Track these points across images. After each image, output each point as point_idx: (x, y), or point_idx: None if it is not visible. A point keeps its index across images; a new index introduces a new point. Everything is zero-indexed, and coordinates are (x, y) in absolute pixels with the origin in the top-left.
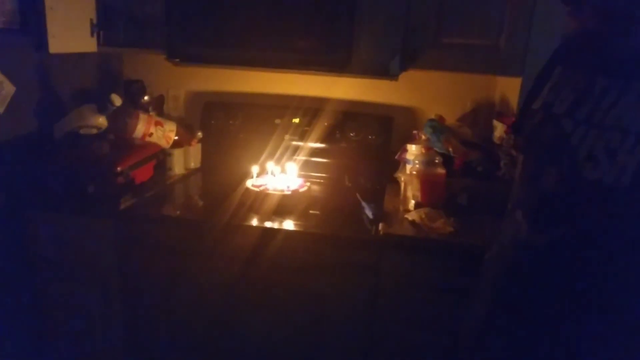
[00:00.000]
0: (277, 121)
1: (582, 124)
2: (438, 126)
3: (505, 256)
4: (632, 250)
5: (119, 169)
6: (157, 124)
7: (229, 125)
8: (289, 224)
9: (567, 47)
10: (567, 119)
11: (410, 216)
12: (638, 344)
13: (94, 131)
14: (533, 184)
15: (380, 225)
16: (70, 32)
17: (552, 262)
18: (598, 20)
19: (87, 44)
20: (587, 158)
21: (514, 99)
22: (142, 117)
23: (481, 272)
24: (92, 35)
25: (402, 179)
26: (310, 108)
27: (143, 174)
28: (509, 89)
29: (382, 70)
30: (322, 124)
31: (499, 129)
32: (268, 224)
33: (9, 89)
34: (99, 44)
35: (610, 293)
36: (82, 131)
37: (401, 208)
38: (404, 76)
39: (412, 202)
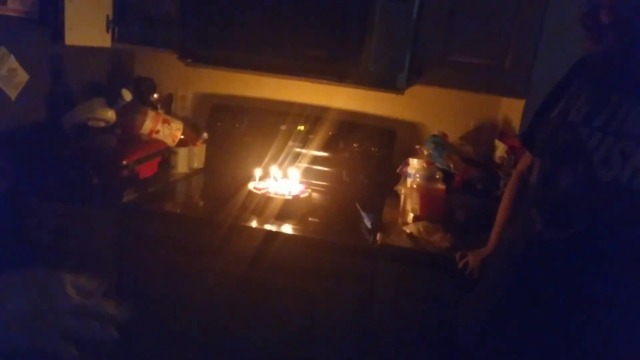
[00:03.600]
0: (283, 127)
1: (597, 131)
2: (440, 142)
3: (516, 251)
4: None
5: (124, 162)
6: (164, 121)
7: (234, 128)
8: (288, 228)
9: (585, 63)
10: (584, 127)
11: (408, 228)
12: None
13: (102, 124)
14: (549, 185)
15: (378, 235)
16: (87, 25)
17: (566, 258)
18: (620, 43)
19: (102, 38)
20: (602, 162)
21: (516, 120)
22: (150, 114)
23: (487, 269)
24: (107, 30)
25: (402, 191)
26: (316, 116)
27: (147, 170)
28: (512, 110)
29: (389, 84)
30: (326, 133)
31: (501, 149)
32: (268, 227)
33: (23, 76)
34: (113, 39)
35: (623, 289)
36: (90, 123)
37: (399, 220)
38: (410, 91)
39: (411, 215)
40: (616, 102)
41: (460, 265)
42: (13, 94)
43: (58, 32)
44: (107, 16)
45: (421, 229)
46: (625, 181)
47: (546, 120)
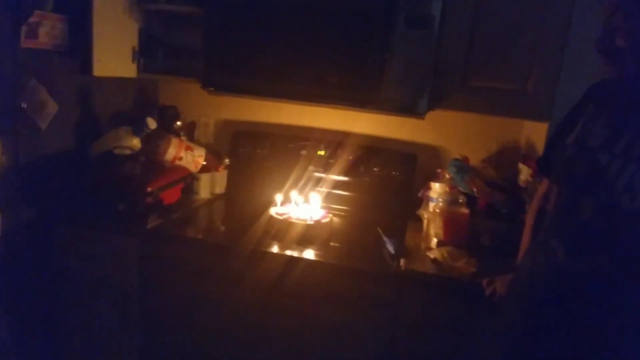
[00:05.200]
0: (303, 152)
1: (618, 158)
2: (462, 166)
3: (537, 282)
4: None
5: (149, 189)
6: (187, 148)
7: (255, 154)
8: (310, 254)
9: (601, 87)
10: (603, 153)
11: (432, 254)
12: None
13: (128, 152)
14: (569, 214)
15: (402, 261)
16: (114, 57)
17: (590, 288)
18: (637, 66)
19: (128, 69)
20: (625, 190)
21: (540, 143)
22: (174, 141)
23: (505, 302)
24: (133, 61)
25: (425, 216)
26: (336, 141)
27: (171, 196)
28: (535, 132)
29: (409, 108)
30: (346, 158)
31: (525, 172)
32: (290, 253)
33: (53, 107)
34: (139, 70)
35: None
36: (116, 151)
37: (423, 245)
38: (430, 115)
39: (435, 240)
40: (636, 127)
41: (487, 292)
42: (43, 124)
43: (87, 64)
44: (133, 48)
45: (446, 255)
46: None
47: (562, 146)
